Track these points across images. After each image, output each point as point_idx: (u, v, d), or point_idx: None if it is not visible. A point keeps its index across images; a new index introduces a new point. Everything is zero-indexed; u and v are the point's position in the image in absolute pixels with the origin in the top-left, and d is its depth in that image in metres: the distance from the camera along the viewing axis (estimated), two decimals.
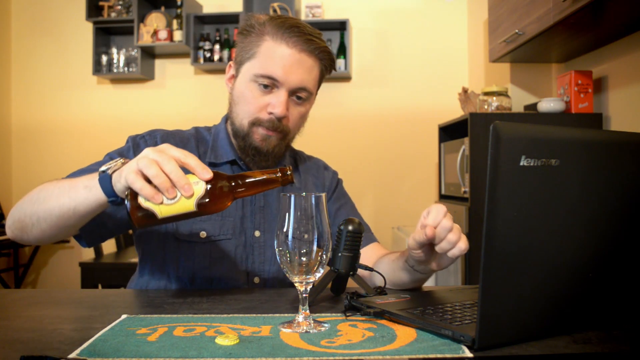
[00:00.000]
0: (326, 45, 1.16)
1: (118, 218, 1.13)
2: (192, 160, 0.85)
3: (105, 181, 0.89)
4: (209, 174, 0.84)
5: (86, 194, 0.92)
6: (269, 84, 1.12)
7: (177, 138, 1.21)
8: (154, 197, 0.81)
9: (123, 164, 0.90)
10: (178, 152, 0.85)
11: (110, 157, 1.14)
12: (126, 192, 0.84)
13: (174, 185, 0.82)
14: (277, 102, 1.12)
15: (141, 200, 0.83)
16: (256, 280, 1.19)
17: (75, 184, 0.95)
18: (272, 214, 1.21)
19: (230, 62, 1.22)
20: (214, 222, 1.17)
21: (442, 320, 0.78)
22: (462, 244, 0.90)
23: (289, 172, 0.88)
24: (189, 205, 0.83)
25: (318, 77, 1.18)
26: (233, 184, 0.86)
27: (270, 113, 1.12)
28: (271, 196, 1.23)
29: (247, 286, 1.18)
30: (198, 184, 0.84)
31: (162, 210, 0.83)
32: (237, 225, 1.19)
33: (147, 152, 0.85)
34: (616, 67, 2.37)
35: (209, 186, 0.84)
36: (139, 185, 0.81)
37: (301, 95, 1.15)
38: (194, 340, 0.74)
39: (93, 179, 0.92)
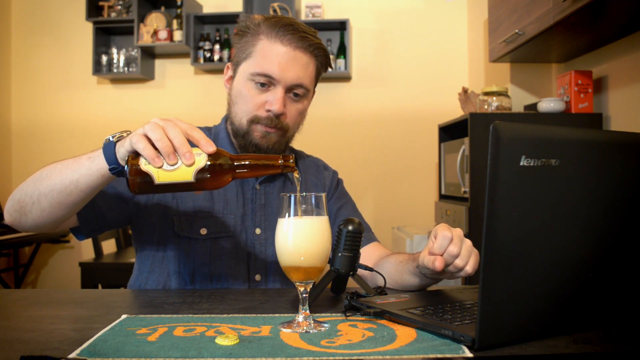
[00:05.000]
0: (321, 42, 1.17)
1: (117, 210, 1.14)
2: (197, 133, 0.85)
3: (109, 148, 0.90)
4: (212, 147, 0.84)
5: (89, 164, 0.92)
6: (266, 82, 1.13)
7: None
8: (154, 159, 0.81)
9: (128, 134, 0.90)
10: (184, 124, 0.86)
11: None
12: (127, 157, 0.85)
13: (175, 152, 0.82)
14: (274, 100, 1.13)
15: (141, 163, 0.83)
16: (257, 277, 1.19)
17: (79, 157, 0.95)
18: (273, 212, 1.22)
19: (228, 64, 1.24)
20: (215, 219, 1.18)
21: (442, 320, 0.78)
22: (469, 268, 0.93)
23: (290, 160, 0.88)
24: (188, 175, 0.83)
25: (314, 74, 1.19)
26: (235, 163, 0.86)
27: (268, 110, 1.14)
28: (272, 194, 1.24)
29: (247, 283, 1.19)
30: (200, 155, 0.84)
31: (160, 175, 0.82)
32: (238, 223, 1.19)
33: (155, 119, 0.85)
34: (616, 67, 2.37)
35: (210, 161, 0.84)
36: (142, 145, 0.82)
37: (298, 92, 1.16)
38: (194, 340, 0.74)
39: (98, 150, 0.92)
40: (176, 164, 0.82)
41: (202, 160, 0.83)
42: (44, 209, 0.98)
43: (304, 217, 0.83)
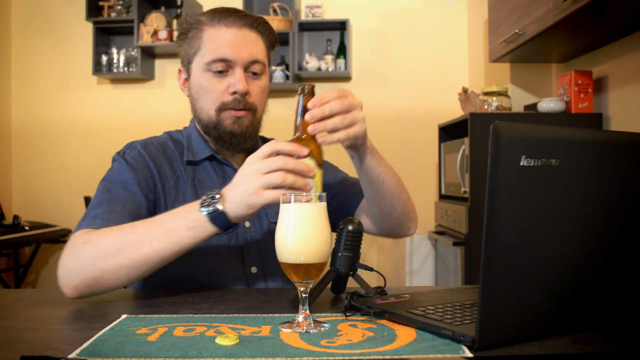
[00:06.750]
0: (262, 17, 1.21)
1: None
2: (283, 145, 0.93)
3: (221, 219, 0.94)
4: (305, 148, 0.94)
5: (194, 234, 0.95)
6: (223, 68, 1.15)
7: (155, 144, 1.24)
8: (307, 186, 0.92)
9: (219, 196, 0.95)
10: (269, 148, 0.93)
11: (109, 181, 1.13)
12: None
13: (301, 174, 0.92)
14: (236, 81, 1.15)
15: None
16: (253, 270, 1.19)
17: (169, 229, 0.96)
18: None
19: (180, 67, 1.26)
20: None
21: (442, 320, 0.78)
22: (329, 123, 1.00)
23: (305, 85, 0.97)
24: (319, 174, 0.96)
25: (265, 49, 1.22)
26: (305, 133, 0.96)
27: (234, 93, 1.15)
28: None
29: (244, 277, 1.18)
30: (304, 159, 0.94)
31: (317, 184, 0.95)
32: None
33: (259, 166, 0.92)
34: (616, 67, 2.37)
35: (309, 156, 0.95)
36: (291, 179, 0.91)
37: (256, 70, 1.18)
38: (194, 340, 0.74)
39: (194, 220, 0.95)
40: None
41: (311, 162, 0.95)
42: (134, 278, 0.99)
43: (305, 203, 0.84)
